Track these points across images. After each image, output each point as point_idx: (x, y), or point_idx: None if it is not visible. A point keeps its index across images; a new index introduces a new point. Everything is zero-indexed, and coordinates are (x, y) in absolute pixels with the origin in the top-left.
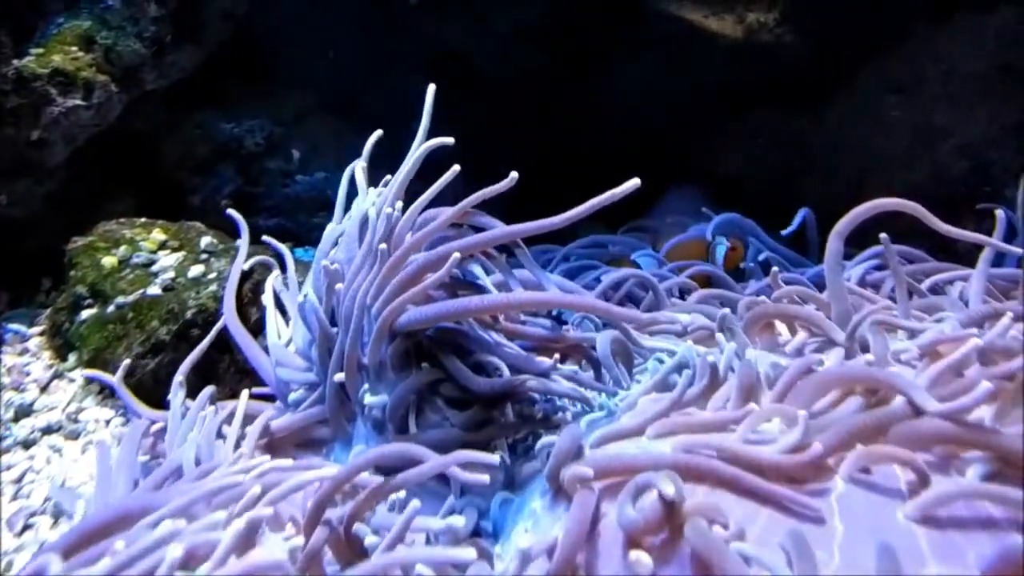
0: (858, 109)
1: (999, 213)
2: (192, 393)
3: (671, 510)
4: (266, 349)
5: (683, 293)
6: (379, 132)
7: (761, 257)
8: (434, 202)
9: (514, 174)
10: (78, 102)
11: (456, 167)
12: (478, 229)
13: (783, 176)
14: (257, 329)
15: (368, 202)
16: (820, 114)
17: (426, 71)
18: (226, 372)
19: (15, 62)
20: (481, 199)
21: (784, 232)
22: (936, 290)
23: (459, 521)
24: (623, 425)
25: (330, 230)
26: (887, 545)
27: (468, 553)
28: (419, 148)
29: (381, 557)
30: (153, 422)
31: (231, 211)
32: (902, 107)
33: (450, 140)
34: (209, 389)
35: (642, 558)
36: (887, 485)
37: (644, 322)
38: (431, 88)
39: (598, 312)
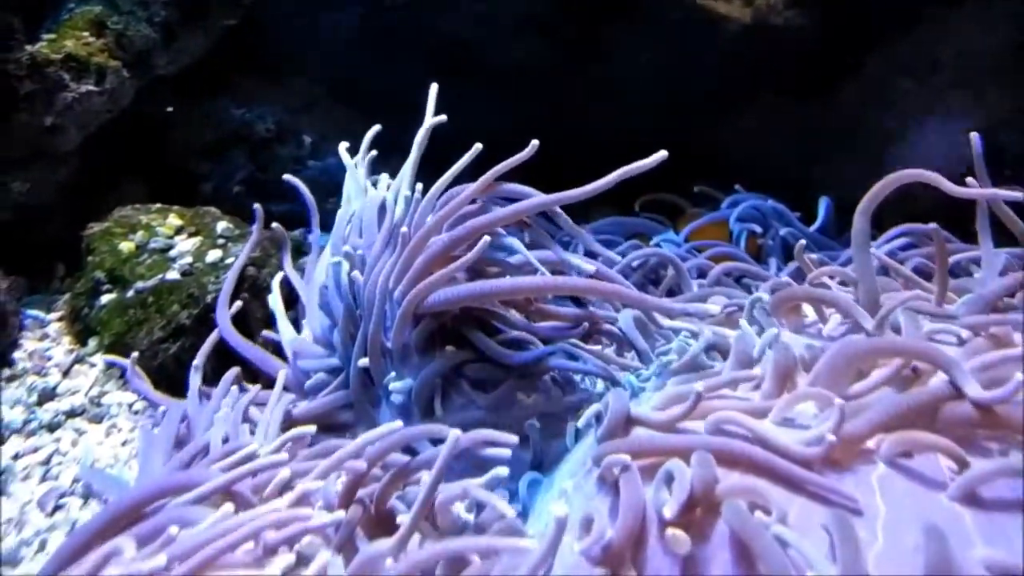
0: (870, 93)
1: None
2: (213, 377)
3: (701, 498)
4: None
5: (702, 274)
6: (377, 127)
7: (782, 233)
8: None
9: (535, 142)
10: (91, 88)
11: (478, 145)
12: (507, 201)
13: (794, 161)
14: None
15: (382, 188)
16: (831, 98)
17: (429, 60)
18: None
19: (28, 48)
20: (500, 172)
21: (813, 228)
22: (958, 270)
23: (503, 471)
24: (656, 413)
25: (342, 215)
26: (934, 526)
27: (529, 543)
28: (422, 132)
29: (438, 545)
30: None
31: (256, 206)
32: (915, 90)
33: (443, 118)
34: (233, 371)
35: (679, 535)
36: (928, 466)
37: (676, 312)
38: (434, 87)
39: (629, 301)
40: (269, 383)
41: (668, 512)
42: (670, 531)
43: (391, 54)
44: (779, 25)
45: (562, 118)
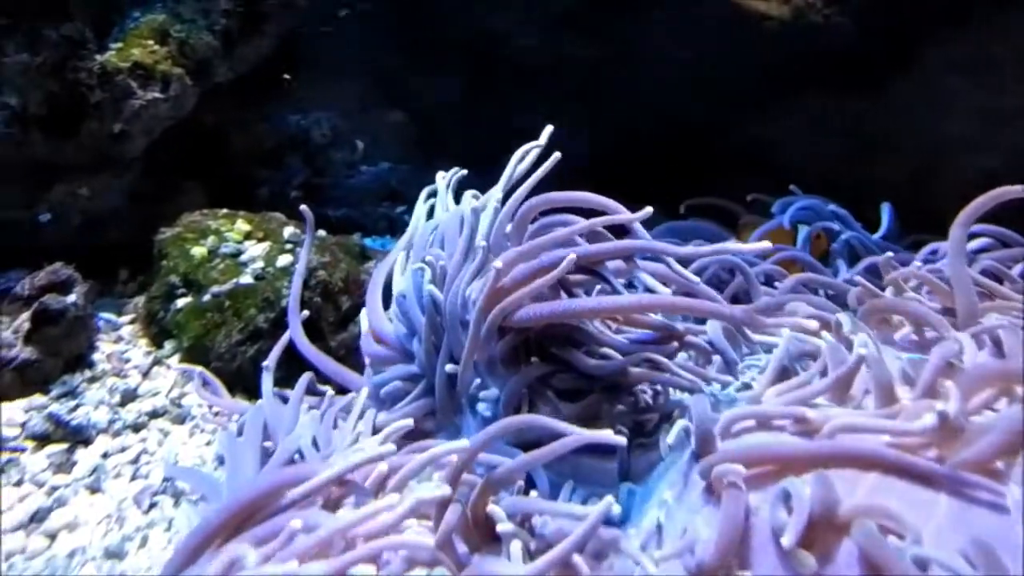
0: (921, 91)
1: None
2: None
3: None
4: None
5: (769, 281)
6: (459, 170)
7: (845, 236)
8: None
9: (648, 209)
10: (157, 95)
11: (557, 154)
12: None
13: (843, 161)
14: (347, 318)
15: (466, 203)
16: (880, 97)
17: (469, 58)
18: None
19: (98, 57)
20: (610, 223)
21: (876, 236)
22: None
23: (616, 509)
24: (764, 409)
25: (424, 226)
26: None
27: None
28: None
29: None
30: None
31: (304, 208)
32: (969, 88)
33: (538, 146)
34: (308, 375)
35: (804, 557)
36: None
37: (769, 325)
38: (548, 128)
39: (719, 316)
40: (339, 390)
41: (786, 541)
42: (796, 552)
43: (429, 53)
44: (819, 23)
45: (601, 117)
